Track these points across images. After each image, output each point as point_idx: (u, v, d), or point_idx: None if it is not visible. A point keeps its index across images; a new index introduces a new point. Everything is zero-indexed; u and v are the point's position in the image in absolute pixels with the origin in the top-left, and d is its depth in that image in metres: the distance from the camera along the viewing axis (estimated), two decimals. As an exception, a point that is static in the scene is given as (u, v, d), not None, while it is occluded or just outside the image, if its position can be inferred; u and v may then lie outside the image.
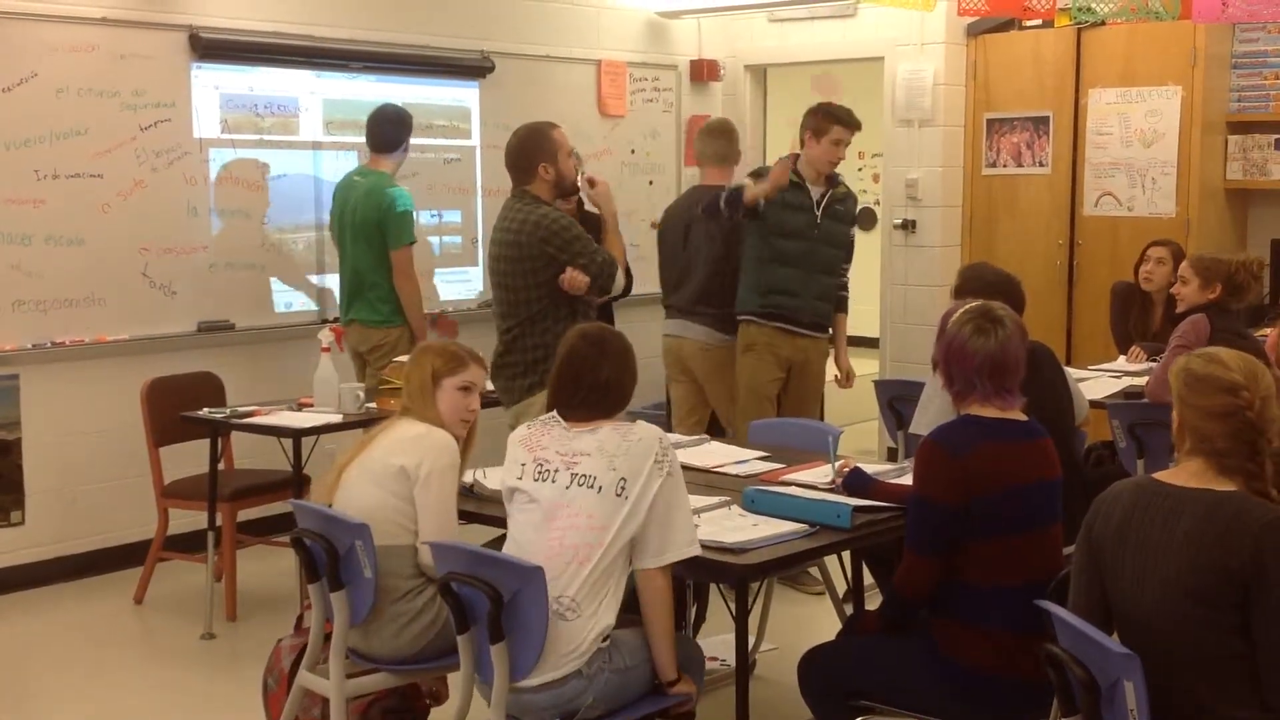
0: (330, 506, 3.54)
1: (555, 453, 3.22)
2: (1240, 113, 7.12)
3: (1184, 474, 2.69)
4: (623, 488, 3.11)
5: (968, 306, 3.36)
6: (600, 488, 3.13)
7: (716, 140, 5.92)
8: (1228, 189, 7.18)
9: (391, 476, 3.49)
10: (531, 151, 4.69)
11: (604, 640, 3.13)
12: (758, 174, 5.55)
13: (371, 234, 5.73)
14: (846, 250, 5.72)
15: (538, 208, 4.63)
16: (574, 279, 4.59)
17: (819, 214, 5.52)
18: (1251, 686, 2.58)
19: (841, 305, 5.77)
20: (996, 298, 3.56)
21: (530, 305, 4.65)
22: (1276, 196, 7.18)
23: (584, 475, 3.15)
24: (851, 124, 5.48)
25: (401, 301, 5.80)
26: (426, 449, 3.50)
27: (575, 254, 4.60)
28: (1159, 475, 2.75)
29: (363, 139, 6.27)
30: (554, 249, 4.58)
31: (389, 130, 5.88)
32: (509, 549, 3.23)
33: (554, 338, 4.30)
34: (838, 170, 5.65)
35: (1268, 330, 5.65)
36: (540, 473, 3.22)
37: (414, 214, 5.85)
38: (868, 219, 9.85)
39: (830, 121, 5.46)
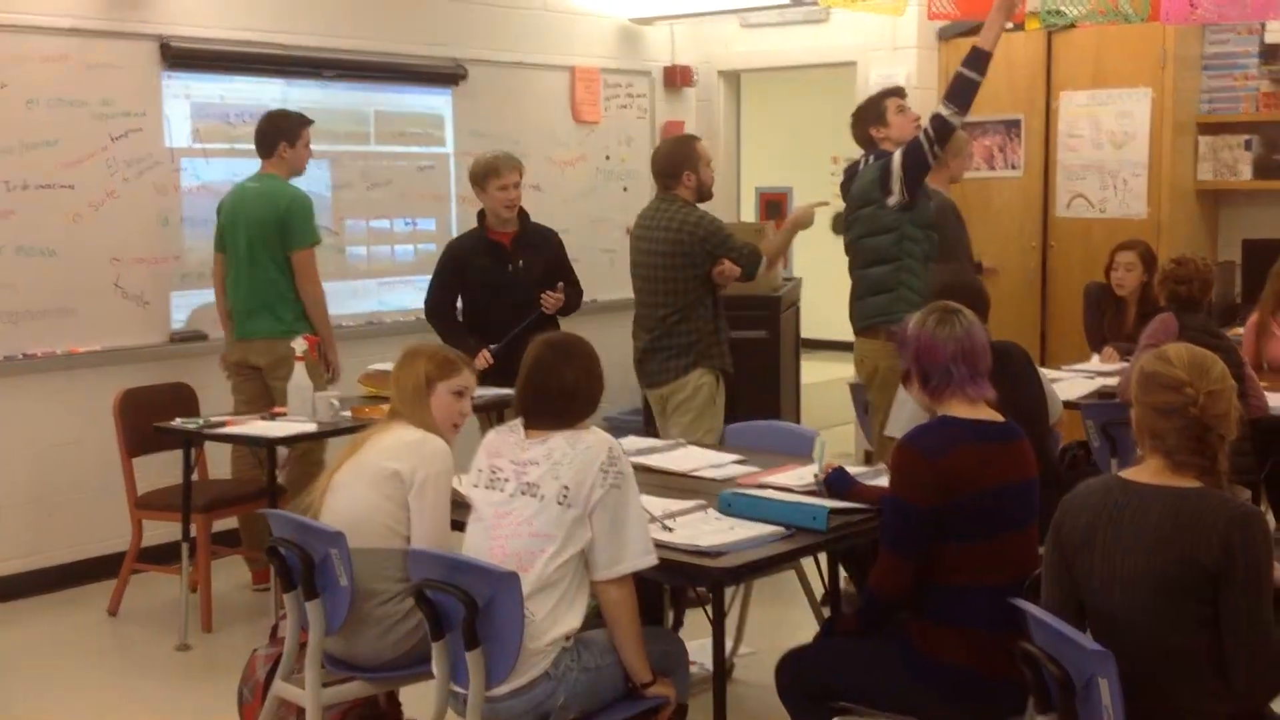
0: (320, 510, 3.52)
1: (509, 461, 3.24)
2: (1211, 114, 7.17)
3: (1147, 472, 2.71)
4: (565, 495, 3.12)
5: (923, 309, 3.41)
6: (543, 496, 3.14)
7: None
8: (1199, 190, 7.22)
9: (385, 480, 3.47)
10: (679, 159, 5.25)
11: (567, 640, 3.13)
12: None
13: (271, 238, 5.55)
14: None
15: (692, 210, 5.22)
16: (730, 270, 5.20)
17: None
18: (1225, 680, 2.59)
19: None
20: (954, 298, 3.59)
21: (688, 294, 5.21)
22: (1247, 197, 7.23)
23: (529, 484, 3.17)
24: (895, 91, 5.45)
25: (307, 306, 5.64)
26: (422, 455, 3.48)
27: (729, 249, 5.19)
28: (1124, 473, 2.76)
29: (336, 147, 6.25)
30: (711, 246, 5.17)
31: (270, 134, 5.70)
32: (465, 554, 3.24)
33: (705, 323, 5.24)
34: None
35: (1240, 330, 5.69)
36: (492, 480, 3.26)
37: (314, 213, 5.68)
38: (839, 223, 9.80)
39: (880, 100, 5.36)
